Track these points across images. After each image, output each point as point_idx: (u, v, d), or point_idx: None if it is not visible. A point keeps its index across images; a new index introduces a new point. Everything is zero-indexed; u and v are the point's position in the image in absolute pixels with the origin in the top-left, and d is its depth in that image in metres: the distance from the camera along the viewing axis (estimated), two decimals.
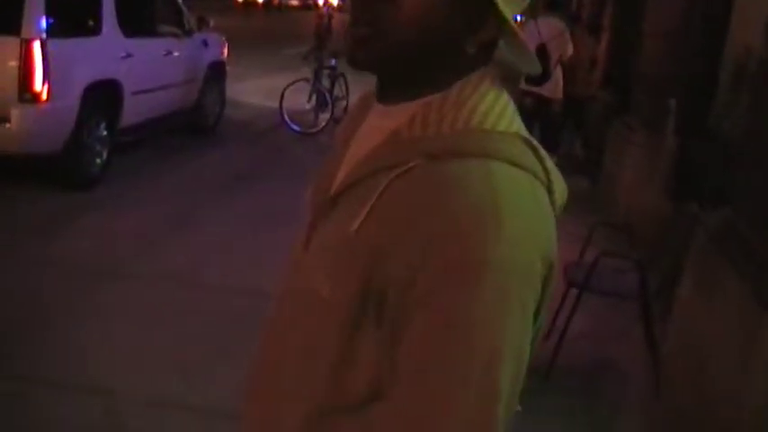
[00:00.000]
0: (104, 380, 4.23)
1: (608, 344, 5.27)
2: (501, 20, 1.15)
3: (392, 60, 1.18)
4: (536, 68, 1.27)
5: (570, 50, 10.13)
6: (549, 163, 1.19)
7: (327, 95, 11.92)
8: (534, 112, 10.03)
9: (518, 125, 1.19)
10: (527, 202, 1.11)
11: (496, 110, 1.17)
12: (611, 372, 4.94)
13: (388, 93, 1.24)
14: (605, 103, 10.50)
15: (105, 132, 7.89)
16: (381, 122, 1.23)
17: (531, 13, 10.47)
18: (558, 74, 10.05)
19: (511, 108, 1.20)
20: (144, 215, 7.08)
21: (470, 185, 1.07)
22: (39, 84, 6.81)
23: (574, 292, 4.78)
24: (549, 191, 1.17)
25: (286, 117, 11.58)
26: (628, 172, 7.96)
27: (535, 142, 1.18)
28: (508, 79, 1.26)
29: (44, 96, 6.87)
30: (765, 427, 3.25)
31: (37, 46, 6.79)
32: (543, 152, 1.19)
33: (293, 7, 68.29)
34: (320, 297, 1.16)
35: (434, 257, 1.04)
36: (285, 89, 11.60)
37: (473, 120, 1.15)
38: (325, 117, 11.68)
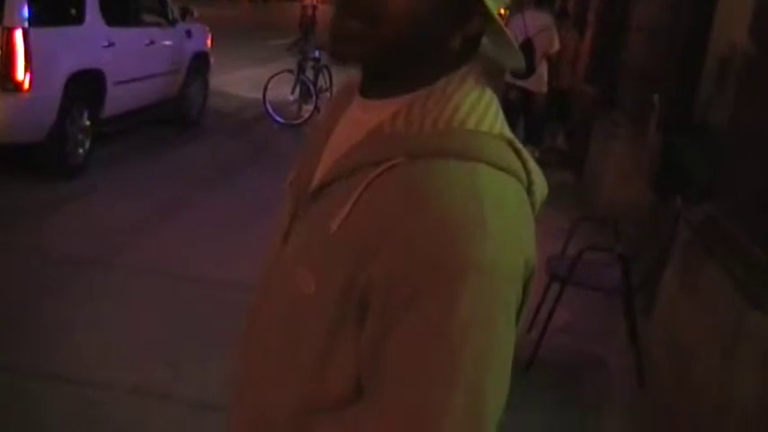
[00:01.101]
0: (90, 370, 4.21)
1: (590, 338, 5.28)
2: (487, 15, 1.14)
3: (378, 56, 1.16)
4: (520, 63, 1.25)
5: (556, 46, 10.17)
6: (532, 164, 1.18)
7: (311, 87, 11.89)
8: (519, 106, 10.06)
9: (501, 125, 1.18)
10: (510, 205, 1.11)
11: (480, 109, 1.16)
12: (593, 365, 4.94)
13: (371, 87, 1.23)
14: (590, 97, 10.52)
15: (88, 122, 7.83)
16: (363, 116, 1.21)
17: (518, 7, 10.50)
18: (542, 68, 10.09)
19: (494, 107, 1.19)
20: (127, 205, 7.04)
21: (454, 187, 1.07)
22: (21, 73, 6.76)
23: (556, 285, 4.78)
24: (530, 191, 1.17)
25: (270, 108, 11.54)
26: (612, 166, 7.98)
27: (518, 144, 1.17)
28: (492, 73, 1.24)
29: (26, 85, 6.82)
30: (749, 422, 3.26)
31: (19, 35, 6.74)
32: (526, 154, 1.17)
33: None
34: (303, 294, 1.15)
35: (418, 258, 1.03)
36: (269, 80, 11.55)
37: (456, 119, 1.14)
38: (308, 108, 11.65)
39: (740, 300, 3.51)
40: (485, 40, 1.22)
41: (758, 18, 4.35)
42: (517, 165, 1.15)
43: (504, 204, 1.09)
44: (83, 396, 3.98)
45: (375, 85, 1.22)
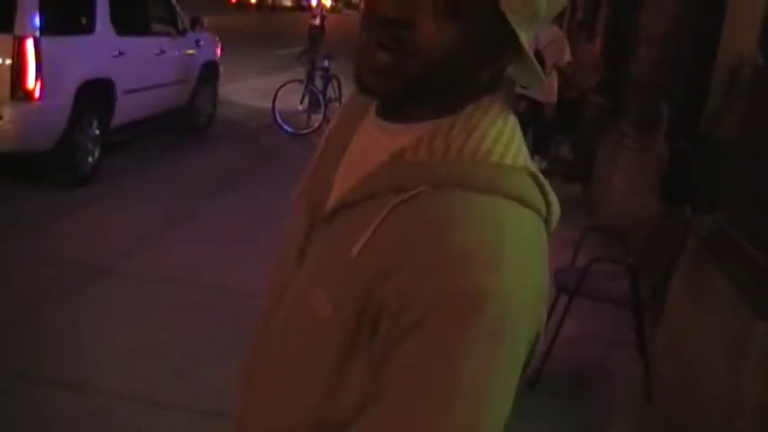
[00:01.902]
0: (95, 378, 4.22)
1: (599, 349, 5.27)
2: (519, 50, 1.12)
3: (405, 90, 1.13)
4: (539, 83, 1.23)
5: (567, 57, 10.20)
6: (553, 196, 1.17)
7: (320, 96, 11.92)
8: (528, 116, 10.07)
9: (524, 156, 1.16)
10: (530, 241, 1.10)
11: (504, 139, 1.14)
12: (602, 376, 4.94)
13: (391, 111, 1.20)
14: (598, 107, 10.52)
15: (97, 131, 7.86)
16: (382, 139, 1.19)
17: None
18: (552, 79, 10.10)
19: (518, 136, 1.17)
20: (135, 214, 7.06)
21: (476, 219, 1.06)
22: (31, 81, 6.79)
23: (564, 297, 4.77)
24: (547, 221, 1.16)
25: (278, 118, 11.57)
26: (619, 176, 7.97)
27: (541, 177, 1.16)
28: (507, 88, 1.23)
29: (37, 94, 6.85)
30: None
31: (30, 44, 6.77)
32: (548, 186, 1.16)
33: (286, 8, 68.29)
34: (318, 316, 1.14)
35: (431, 284, 1.03)
36: (278, 90, 11.59)
37: (481, 149, 1.12)
38: (317, 118, 11.68)
39: (748, 310, 3.50)
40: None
41: (767, 28, 4.35)
42: (539, 199, 1.14)
43: (522, 240, 1.08)
44: (89, 403, 3.98)
45: (395, 109, 1.19)
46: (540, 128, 10.45)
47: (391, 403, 1.05)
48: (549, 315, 4.63)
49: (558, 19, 11.41)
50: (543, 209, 1.15)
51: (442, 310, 1.02)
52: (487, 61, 1.13)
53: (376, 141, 1.21)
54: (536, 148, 10.34)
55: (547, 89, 10.03)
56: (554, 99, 10.33)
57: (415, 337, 1.03)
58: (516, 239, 1.07)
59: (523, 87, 1.27)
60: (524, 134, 1.21)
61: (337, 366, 1.13)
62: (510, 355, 1.07)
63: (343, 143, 1.29)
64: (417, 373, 1.03)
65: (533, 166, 1.17)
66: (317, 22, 14.29)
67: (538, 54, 9.67)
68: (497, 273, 1.03)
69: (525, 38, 1.11)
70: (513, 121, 1.18)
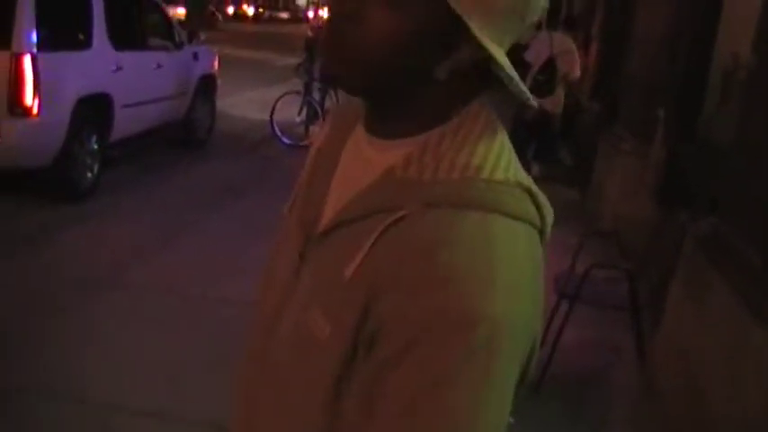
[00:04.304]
0: (96, 390, 4.23)
1: (599, 354, 5.28)
2: (477, 44, 1.09)
3: (366, 87, 1.16)
4: (523, 96, 1.19)
5: (578, 72, 10.22)
6: (547, 208, 1.16)
7: (318, 108, 11.95)
8: (534, 125, 10.08)
9: (515, 169, 1.15)
10: (523, 257, 1.09)
11: (494, 154, 1.13)
12: (603, 381, 4.94)
13: (378, 125, 1.20)
14: (594, 112, 10.54)
15: (96, 145, 7.88)
16: (372, 155, 1.19)
17: (549, 25, 10.61)
18: (560, 90, 10.12)
19: (507, 150, 1.16)
20: (135, 227, 7.08)
21: (466, 237, 1.05)
22: (29, 98, 6.82)
23: (565, 303, 4.79)
24: (542, 233, 1.15)
25: (277, 130, 11.59)
26: (617, 181, 7.98)
27: (535, 190, 1.15)
28: (509, 97, 1.20)
29: (35, 110, 6.87)
30: None
31: (27, 60, 6.80)
32: (542, 198, 1.15)
33: (283, 20, 68.40)
34: (317, 339, 1.14)
35: (424, 305, 1.02)
36: (276, 102, 11.61)
37: (471, 166, 1.11)
38: (315, 129, 11.70)
39: (746, 313, 3.51)
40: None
41: (761, 31, 4.37)
42: (532, 212, 1.13)
43: (515, 255, 1.07)
44: (90, 415, 4.00)
45: (381, 123, 1.19)
46: (545, 137, 10.46)
47: (387, 424, 1.05)
48: (550, 321, 4.67)
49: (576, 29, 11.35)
50: (537, 221, 1.14)
51: (432, 330, 1.02)
52: (438, 54, 1.12)
53: (366, 158, 1.21)
54: (537, 156, 10.36)
55: (555, 99, 10.05)
56: (560, 110, 10.36)
57: (408, 358, 1.03)
58: (508, 255, 1.06)
59: (532, 95, 1.24)
60: (529, 142, 1.20)
61: (336, 385, 1.12)
62: (504, 371, 1.06)
63: (333, 157, 1.29)
64: (412, 394, 1.03)
65: (526, 179, 1.16)
66: (315, 34, 14.27)
67: (551, 61, 9.75)
68: (487, 291, 1.03)
69: (487, 32, 1.09)
70: (502, 134, 1.17)
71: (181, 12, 43.50)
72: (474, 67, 1.13)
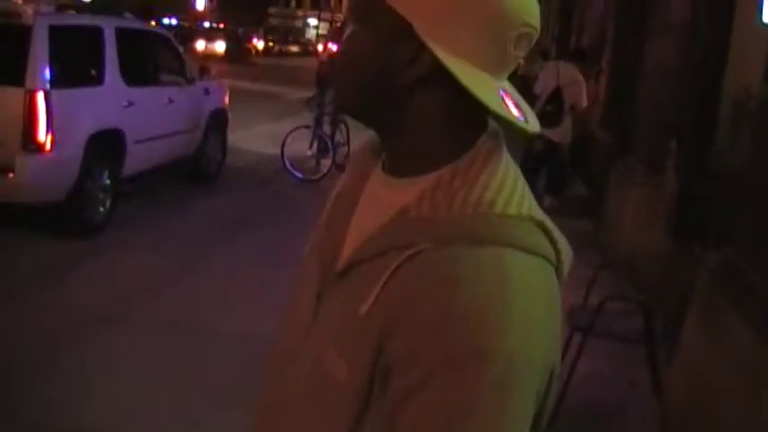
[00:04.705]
0: (108, 424, 4.22)
1: (614, 386, 5.23)
2: (435, 57, 1.11)
3: (356, 108, 1.23)
4: (511, 120, 1.18)
5: (584, 102, 10.26)
6: (562, 243, 1.16)
7: (329, 141, 11.98)
8: (543, 156, 10.10)
9: (528, 203, 1.15)
10: (537, 290, 1.09)
11: (507, 189, 1.14)
12: (619, 413, 4.90)
13: (393, 164, 1.23)
14: (606, 143, 10.55)
15: (108, 181, 7.91)
16: (388, 195, 1.21)
17: (558, 56, 10.67)
18: (568, 120, 10.15)
19: (520, 184, 1.17)
20: (147, 262, 7.08)
21: (481, 274, 1.05)
22: (42, 134, 6.86)
23: (578, 335, 4.76)
24: (558, 270, 1.16)
25: (288, 164, 11.62)
26: (630, 213, 7.97)
27: (549, 224, 1.15)
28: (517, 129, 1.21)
29: (48, 146, 6.92)
30: None
31: (41, 96, 6.85)
32: (556, 233, 1.16)
33: (293, 53, 68.85)
34: (336, 379, 1.14)
35: (438, 340, 1.03)
36: (287, 136, 11.66)
37: (483, 201, 1.12)
38: (326, 163, 11.73)
39: (761, 345, 3.48)
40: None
41: None
42: (547, 246, 1.13)
43: (529, 290, 1.08)
44: None
45: (396, 161, 1.22)
46: (554, 168, 10.47)
47: None
48: (564, 354, 4.61)
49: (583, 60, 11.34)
50: (552, 256, 1.14)
51: (447, 365, 1.02)
52: (403, 64, 1.15)
53: (382, 198, 1.22)
54: (548, 188, 10.36)
55: (563, 130, 10.08)
56: (568, 140, 10.37)
57: (424, 393, 1.03)
58: (522, 290, 1.06)
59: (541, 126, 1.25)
60: (539, 173, 1.21)
61: (354, 423, 1.12)
62: (520, 405, 1.06)
63: (352, 199, 1.30)
64: (428, 428, 1.03)
65: (540, 213, 1.16)
66: (325, 67, 14.34)
67: (558, 91, 9.79)
68: (502, 325, 1.03)
69: (448, 42, 1.12)
70: (514, 169, 1.18)
71: (220, 48, 45.93)
72: (461, 93, 1.13)
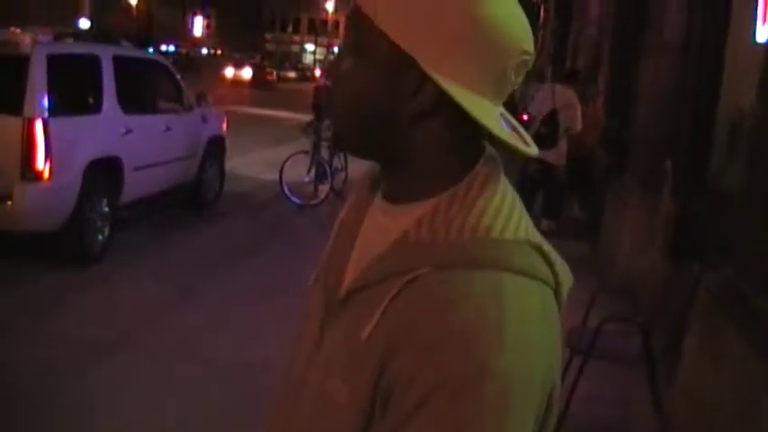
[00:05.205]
0: None
1: (615, 408, 5.22)
2: (439, 88, 1.12)
3: (358, 147, 1.23)
4: (510, 144, 1.20)
5: (579, 126, 10.30)
6: (559, 265, 1.18)
7: (327, 167, 11.99)
8: (538, 179, 10.12)
9: (526, 227, 1.17)
10: (533, 313, 1.10)
11: (504, 214, 1.15)
12: None
13: (392, 192, 1.24)
14: (602, 164, 10.57)
15: (106, 208, 7.92)
16: (388, 222, 1.22)
17: (552, 77, 10.69)
18: (563, 142, 10.18)
19: (518, 209, 1.18)
20: (145, 290, 7.08)
21: (476, 297, 1.07)
22: (41, 162, 6.88)
23: (577, 358, 4.75)
24: (557, 293, 1.17)
25: (286, 189, 11.63)
26: (627, 233, 7.97)
27: (546, 247, 1.16)
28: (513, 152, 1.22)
29: (46, 175, 6.93)
30: None
31: (39, 125, 6.87)
32: (554, 256, 1.17)
33: (291, 79, 69.09)
34: (338, 404, 1.15)
35: (434, 362, 1.04)
36: (284, 162, 11.67)
37: (481, 226, 1.13)
38: (324, 189, 11.74)
39: (762, 365, 3.48)
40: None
41: (766, 81, 4.39)
42: (544, 270, 1.15)
43: (526, 313, 1.09)
44: None
45: (395, 188, 1.23)
46: (551, 190, 10.49)
47: None
48: (563, 376, 4.60)
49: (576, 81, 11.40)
50: (550, 278, 1.15)
51: (445, 386, 1.03)
52: (403, 95, 1.15)
53: (383, 225, 1.24)
54: (545, 211, 10.38)
55: (558, 152, 10.11)
56: (564, 161, 10.40)
57: (422, 414, 1.04)
58: (519, 314, 1.08)
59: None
60: (535, 195, 1.22)
61: None
62: (517, 426, 1.06)
63: (354, 227, 1.32)
64: None
65: (537, 236, 1.17)
66: (322, 93, 14.38)
67: (553, 113, 9.83)
68: (498, 346, 1.04)
69: (451, 71, 1.12)
70: (511, 193, 1.19)
71: (247, 74, 49.81)
72: (464, 121, 1.15)
